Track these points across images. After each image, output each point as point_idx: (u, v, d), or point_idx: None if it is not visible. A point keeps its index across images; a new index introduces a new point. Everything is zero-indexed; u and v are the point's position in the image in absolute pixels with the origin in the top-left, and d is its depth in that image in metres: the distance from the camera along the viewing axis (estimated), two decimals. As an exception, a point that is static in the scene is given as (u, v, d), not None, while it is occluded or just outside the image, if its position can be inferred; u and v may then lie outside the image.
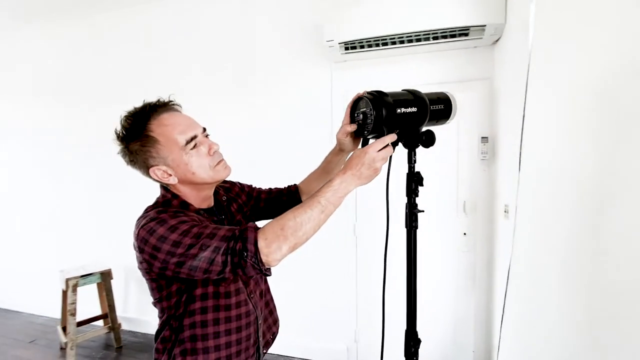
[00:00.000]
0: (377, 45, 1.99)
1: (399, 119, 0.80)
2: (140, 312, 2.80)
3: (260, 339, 0.94)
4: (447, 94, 0.82)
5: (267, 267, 0.70)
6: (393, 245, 2.18)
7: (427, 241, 2.06)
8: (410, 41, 1.94)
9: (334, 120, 2.22)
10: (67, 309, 2.31)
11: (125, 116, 0.81)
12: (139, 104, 0.83)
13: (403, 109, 0.81)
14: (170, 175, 0.81)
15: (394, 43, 1.97)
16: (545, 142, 1.09)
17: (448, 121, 0.81)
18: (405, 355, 0.85)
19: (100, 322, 2.74)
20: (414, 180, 0.81)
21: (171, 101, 0.85)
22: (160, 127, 0.79)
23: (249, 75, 2.37)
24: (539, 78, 1.18)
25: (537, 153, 1.17)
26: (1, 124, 3.16)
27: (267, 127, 2.35)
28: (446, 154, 2.01)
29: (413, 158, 0.83)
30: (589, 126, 0.80)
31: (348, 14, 1.91)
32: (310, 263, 2.30)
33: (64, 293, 2.48)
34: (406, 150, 0.86)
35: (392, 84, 2.11)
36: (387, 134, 0.78)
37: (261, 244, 0.68)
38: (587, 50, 0.83)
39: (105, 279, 2.51)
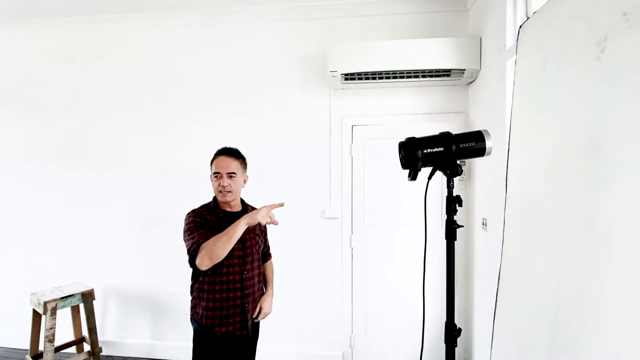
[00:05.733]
0: (374, 78, 2.27)
1: (427, 156, 1.06)
2: (120, 335, 2.64)
3: (247, 305, 1.47)
4: (482, 132, 1.05)
5: (198, 267, 1.32)
6: (392, 256, 2.41)
7: (417, 250, 2.33)
8: (402, 77, 2.25)
9: (332, 141, 2.43)
10: (45, 335, 2.13)
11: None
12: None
13: (429, 149, 1.06)
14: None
15: (387, 77, 2.26)
16: (529, 169, 1.41)
17: (486, 154, 1.05)
18: (446, 341, 1.06)
19: (72, 349, 2.53)
20: (454, 202, 1.04)
21: (230, 152, 1.51)
22: (215, 159, 1.51)
23: (252, 98, 2.48)
24: (519, 116, 1.52)
25: (520, 178, 1.49)
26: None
27: (268, 147, 2.46)
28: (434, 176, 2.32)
29: (451, 184, 1.06)
30: (562, 155, 1.11)
31: (351, 49, 2.17)
32: (307, 273, 2.43)
33: (37, 318, 2.28)
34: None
35: (383, 111, 2.41)
36: (418, 169, 1.07)
37: (198, 253, 1.31)
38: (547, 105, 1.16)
39: (86, 300, 2.35)
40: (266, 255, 1.73)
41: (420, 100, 2.38)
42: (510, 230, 1.51)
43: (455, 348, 1.10)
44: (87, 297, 2.37)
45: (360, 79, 2.28)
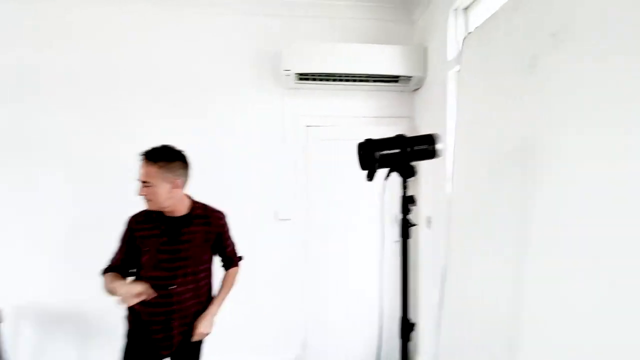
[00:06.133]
0: (327, 79, 2.29)
1: (383, 158, 1.08)
2: (35, 361, 2.26)
3: (173, 321, 1.32)
4: (433, 135, 1.11)
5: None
6: (345, 256, 2.43)
7: (370, 249, 2.40)
8: (354, 80, 2.30)
9: (286, 140, 2.38)
10: None
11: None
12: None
13: (386, 151, 1.09)
14: None
15: (340, 80, 2.30)
16: (470, 172, 1.53)
17: (437, 156, 1.11)
18: (401, 336, 1.10)
19: (-31, 384, 2.09)
20: (408, 202, 1.08)
21: (148, 155, 1.28)
22: None
23: (203, 96, 2.32)
24: (461, 122, 1.65)
25: (462, 177, 1.61)
26: None
27: (220, 145, 2.32)
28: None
29: (405, 185, 1.10)
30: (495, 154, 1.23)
31: (305, 49, 2.16)
32: (259, 275, 2.34)
33: None
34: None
35: (335, 112, 2.44)
36: (376, 169, 1.08)
37: (103, 279, 1.30)
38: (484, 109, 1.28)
39: (-10, 323, 1.97)
40: (230, 261, 1.51)
41: (370, 104, 2.46)
42: (455, 231, 1.64)
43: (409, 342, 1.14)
44: (-8, 319, 1.98)
45: (314, 79, 2.28)
